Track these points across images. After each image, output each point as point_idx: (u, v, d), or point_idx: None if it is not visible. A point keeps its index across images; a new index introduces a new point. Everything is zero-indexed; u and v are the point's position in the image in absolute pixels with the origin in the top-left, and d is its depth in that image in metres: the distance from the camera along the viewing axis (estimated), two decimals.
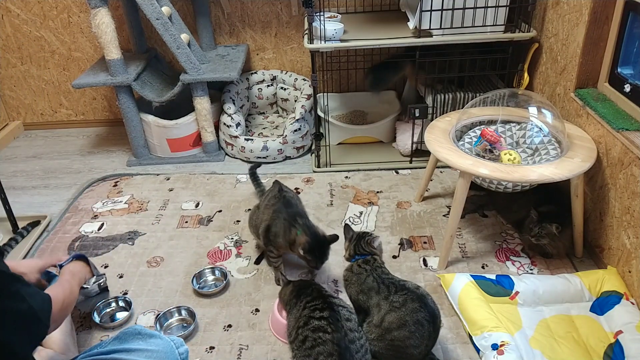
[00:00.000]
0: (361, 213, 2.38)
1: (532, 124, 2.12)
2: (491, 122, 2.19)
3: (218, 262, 2.11)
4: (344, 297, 1.71)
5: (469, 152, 1.97)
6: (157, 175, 2.77)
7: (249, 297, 1.93)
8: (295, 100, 3.05)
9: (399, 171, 2.69)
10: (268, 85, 3.20)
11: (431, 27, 2.35)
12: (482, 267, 2.02)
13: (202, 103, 2.72)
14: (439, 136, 2.06)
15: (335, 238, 1.80)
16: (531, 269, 2.00)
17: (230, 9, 3.03)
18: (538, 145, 2.06)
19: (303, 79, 3.08)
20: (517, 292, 1.80)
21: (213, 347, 1.73)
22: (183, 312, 1.85)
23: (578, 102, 2.07)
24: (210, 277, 2.03)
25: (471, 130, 2.20)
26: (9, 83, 3.24)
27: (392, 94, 3.13)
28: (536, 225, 1.93)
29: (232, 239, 2.24)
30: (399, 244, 2.16)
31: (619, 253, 1.85)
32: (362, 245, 1.68)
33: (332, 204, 2.45)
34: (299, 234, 1.79)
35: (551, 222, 1.90)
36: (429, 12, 2.30)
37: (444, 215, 2.33)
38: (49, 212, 2.45)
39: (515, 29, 2.42)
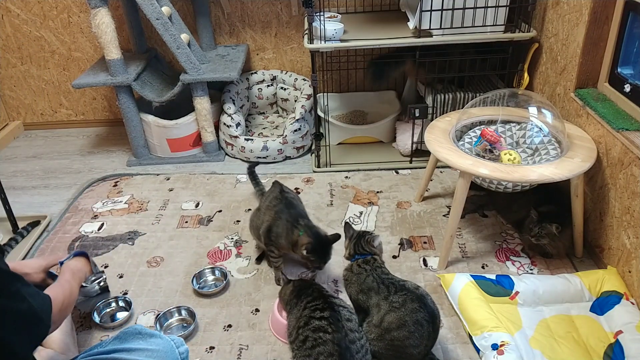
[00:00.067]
0: (361, 213, 2.38)
1: (532, 124, 2.12)
2: (491, 122, 2.19)
3: (218, 262, 2.11)
4: (344, 297, 1.71)
5: (469, 152, 1.97)
6: (157, 175, 2.77)
7: (249, 297, 1.93)
8: (295, 100, 3.06)
9: (399, 171, 2.69)
10: (268, 85, 3.20)
11: (431, 27, 2.35)
12: (482, 267, 2.02)
13: (202, 103, 2.72)
14: (439, 136, 2.06)
15: (337, 237, 1.80)
16: (531, 269, 2.00)
17: (230, 9, 3.03)
18: (538, 145, 2.07)
19: (303, 79, 3.08)
20: (517, 292, 1.80)
21: (213, 347, 1.73)
22: (183, 312, 1.85)
23: (578, 102, 2.08)
24: (210, 277, 2.03)
25: (471, 130, 2.20)
26: (9, 83, 3.24)
27: (392, 94, 3.13)
28: (536, 225, 1.93)
29: (232, 239, 2.24)
30: (399, 244, 2.16)
31: (619, 253, 1.86)
32: (362, 245, 1.68)
33: (332, 204, 2.45)
34: (301, 234, 1.79)
35: (551, 222, 1.91)
36: (429, 12, 2.30)
37: (444, 215, 2.33)
38: (49, 212, 2.45)
39: (515, 29, 2.42)
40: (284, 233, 1.84)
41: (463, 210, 1.94)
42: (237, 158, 2.89)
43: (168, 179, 2.72)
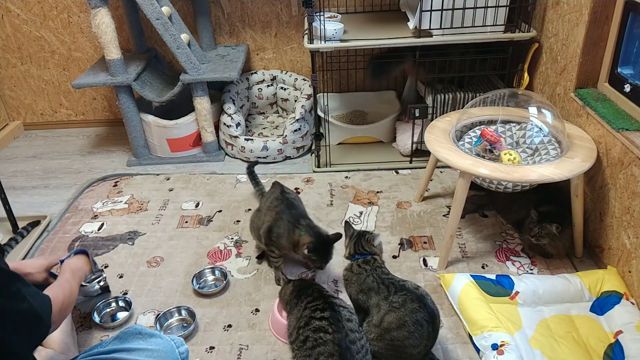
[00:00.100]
0: (361, 213, 2.38)
1: (532, 124, 2.12)
2: (491, 122, 2.19)
3: (218, 262, 2.11)
4: (344, 297, 1.71)
5: (469, 152, 1.97)
6: (157, 175, 2.77)
7: (249, 297, 1.93)
8: (295, 100, 3.06)
9: (399, 171, 2.69)
10: (268, 85, 3.20)
11: (431, 27, 2.35)
12: (482, 267, 2.02)
13: (202, 103, 2.72)
14: (439, 136, 2.06)
15: (338, 236, 1.80)
16: (531, 269, 2.00)
17: (230, 9, 3.03)
18: (538, 145, 2.07)
19: (303, 79, 3.08)
20: (517, 292, 1.80)
21: (213, 347, 1.73)
22: (183, 312, 1.85)
23: (578, 102, 2.08)
24: (210, 277, 2.03)
25: (471, 130, 2.20)
26: (9, 83, 3.24)
27: (392, 94, 3.13)
28: (536, 225, 1.93)
29: (232, 239, 2.24)
30: (399, 244, 2.16)
31: (619, 253, 1.86)
32: (362, 244, 1.68)
33: (332, 204, 2.45)
34: (302, 234, 1.80)
35: (551, 222, 1.91)
36: (429, 12, 2.30)
37: (444, 215, 2.33)
38: (49, 212, 2.45)
39: (515, 29, 2.42)
40: (286, 233, 1.84)
41: (463, 210, 1.94)
42: (237, 158, 2.89)
43: (168, 179, 2.72)
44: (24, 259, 2.14)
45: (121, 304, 1.91)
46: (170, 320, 1.84)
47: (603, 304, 1.75)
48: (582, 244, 2.04)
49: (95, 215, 2.44)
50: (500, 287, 1.82)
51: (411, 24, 2.43)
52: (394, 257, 2.10)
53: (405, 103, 2.95)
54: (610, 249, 1.92)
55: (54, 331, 1.22)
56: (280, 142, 2.78)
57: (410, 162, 2.73)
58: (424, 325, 1.46)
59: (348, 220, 2.28)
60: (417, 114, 2.51)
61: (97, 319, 1.84)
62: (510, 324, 1.70)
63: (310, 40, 2.41)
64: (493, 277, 1.86)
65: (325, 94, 3.07)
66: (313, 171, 2.73)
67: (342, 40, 2.43)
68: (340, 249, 1.83)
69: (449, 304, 1.85)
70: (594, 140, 1.96)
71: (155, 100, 2.76)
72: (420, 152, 2.71)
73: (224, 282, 1.96)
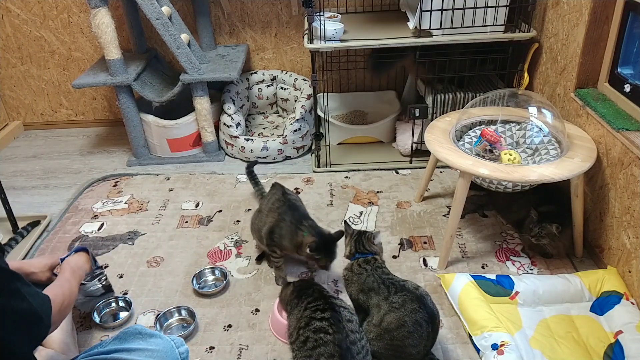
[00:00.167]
0: (361, 213, 2.38)
1: (532, 124, 2.12)
2: (491, 122, 2.19)
3: (218, 262, 2.11)
4: (344, 297, 1.71)
5: (469, 152, 1.97)
6: (157, 175, 2.77)
7: (249, 297, 1.93)
8: (295, 100, 3.06)
9: (399, 171, 2.69)
10: (268, 85, 3.20)
11: (431, 27, 2.35)
12: (482, 267, 2.02)
13: (202, 103, 2.72)
14: (439, 136, 2.06)
15: (340, 234, 1.80)
16: (531, 269, 2.00)
17: (230, 9, 3.03)
18: (538, 145, 2.07)
19: (303, 79, 3.08)
20: (517, 292, 1.80)
21: (213, 347, 1.73)
22: (183, 312, 1.85)
23: (578, 102, 2.08)
24: (210, 277, 2.03)
25: (471, 130, 2.20)
26: (9, 83, 3.24)
27: (392, 94, 3.13)
28: (536, 225, 1.93)
29: (232, 239, 2.24)
30: (399, 244, 2.16)
31: (619, 253, 1.86)
32: (362, 242, 1.68)
33: (332, 204, 2.45)
34: (305, 235, 1.80)
35: (551, 222, 1.91)
36: (429, 12, 2.30)
37: (444, 215, 2.33)
38: (49, 212, 2.45)
39: (515, 29, 2.42)
40: (289, 235, 1.84)
41: (463, 210, 1.94)
42: (237, 158, 2.89)
43: (168, 179, 2.72)
44: (24, 259, 2.14)
45: (121, 304, 1.91)
46: (170, 320, 1.84)
47: (603, 304, 1.75)
48: (582, 244, 2.04)
49: (95, 215, 2.44)
50: (500, 287, 1.82)
51: (411, 24, 2.43)
52: (394, 257, 2.10)
53: (405, 103, 2.96)
54: (610, 249, 1.92)
55: (53, 331, 1.22)
56: (280, 142, 2.78)
57: (410, 162, 2.73)
58: (423, 325, 1.46)
59: (347, 220, 2.29)
60: (417, 114, 2.51)
61: (97, 319, 1.84)
62: (510, 324, 1.70)
63: (310, 40, 2.41)
64: (493, 277, 1.86)
65: (325, 94, 3.07)
66: (313, 171, 2.73)
67: (342, 40, 2.43)
68: (339, 250, 1.83)
69: (449, 304, 1.85)
70: (594, 140, 1.96)
71: (155, 100, 2.76)
72: (420, 152, 2.71)
73: (224, 282, 1.96)
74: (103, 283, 1.89)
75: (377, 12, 2.94)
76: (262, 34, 3.10)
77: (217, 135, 2.91)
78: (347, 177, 2.67)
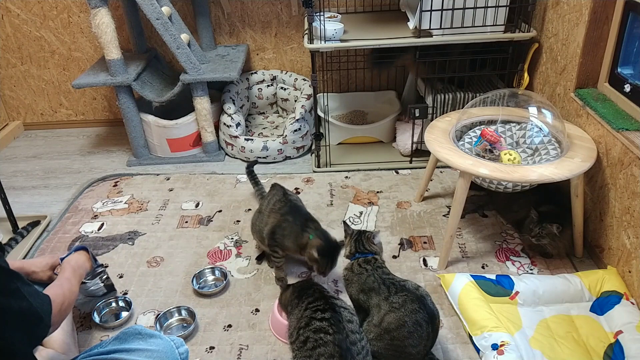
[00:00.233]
0: (361, 213, 2.38)
1: (532, 124, 2.12)
2: (491, 122, 2.19)
3: (218, 262, 2.11)
4: (345, 297, 1.71)
5: (469, 152, 1.97)
6: (157, 175, 2.77)
7: (249, 297, 1.93)
8: (295, 100, 3.06)
9: (399, 171, 2.69)
10: (268, 85, 3.20)
11: (431, 27, 2.35)
12: (482, 267, 2.02)
13: (202, 103, 2.72)
14: (439, 136, 2.06)
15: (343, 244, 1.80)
16: (531, 269, 2.00)
17: (230, 9, 3.03)
18: (538, 145, 2.07)
19: (303, 79, 3.08)
20: (517, 292, 1.80)
21: (213, 347, 1.73)
22: (183, 312, 1.85)
23: (578, 102, 2.08)
24: (210, 277, 2.03)
25: (471, 130, 2.20)
26: (9, 83, 3.24)
27: (392, 94, 3.13)
28: (536, 225, 1.93)
29: (232, 239, 2.24)
30: (399, 244, 2.16)
31: (619, 253, 1.86)
32: (362, 242, 1.68)
33: (332, 204, 2.45)
34: (311, 237, 1.80)
35: (551, 222, 1.91)
36: (429, 12, 2.30)
37: (444, 215, 2.33)
38: (49, 212, 2.45)
39: (515, 29, 2.41)
40: (293, 236, 1.84)
41: (463, 210, 1.94)
42: (237, 158, 2.89)
43: (168, 179, 2.72)
44: (24, 259, 2.14)
45: (121, 304, 1.91)
46: (170, 320, 1.84)
47: (603, 304, 1.75)
48: (582, 244, 2.04)
49: (95, 215, 2.44)
50: (500, 287, 1.82)
51: (411, 24, 2.43)
52: (394, 257, 2.10)
53: (405, 103, 2.96)
54: (610, 249, 1.92)
55: (54, 331, 1.22)
56: (280, 142, 2.78)
57: (410, 162, 2.73)
58: (423, 325, 1.46)
59: (346, 220, 2.29)
60: (417, 114, 2.51)
61: (97, 319, 1.84)
62: (510, 324, 1.70)
63: (310, 40, 2.41)
64: (493, 277, 1.86)
65: (325, 94, 3.07)
66: (313, 171, 2.73)
67: (342, 40, 2.43)
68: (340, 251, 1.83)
69: (449, 304, 1.85)
70: (594, 140, 1.96)
71: (155, 100, 2.76)
72: (420, 152, 2.71)
73: (224, 282, 1.96)
74: (105, 282, 1.89)
75: (377, 12, 2.94)
76: (262, 34, 3.10)
77: (217, 135, 2.91)
78: (347, 177, 2.67)
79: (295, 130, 2.78)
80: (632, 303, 1.72)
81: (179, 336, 1.64)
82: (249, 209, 2.42)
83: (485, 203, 2.37)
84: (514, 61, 2.50)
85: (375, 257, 1.67)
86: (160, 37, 2.58)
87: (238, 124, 2.81)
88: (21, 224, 2.31)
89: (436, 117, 2.35)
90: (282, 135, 2.81)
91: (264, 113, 3.29)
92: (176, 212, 2.44)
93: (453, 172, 2.64)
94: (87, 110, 3.34)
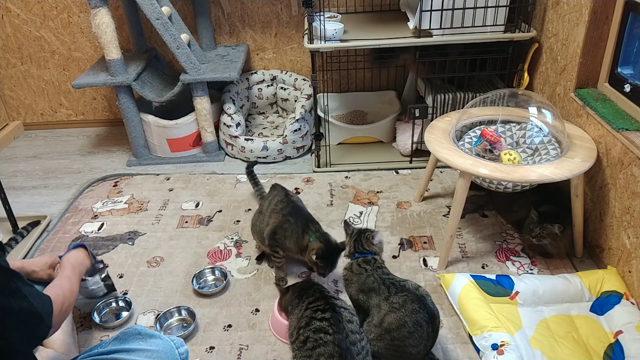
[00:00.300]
0: (361, 213, 2.38)
1: (532, 124, 2.12)
2: (491, 122, 2.19)
3: (218, 262, 2.11)
4: (344, 297, 1.71)
5: (469, 152, 1.97)
6: (157, 175, 2.77)
7: (249, 297, 1.93)
8: (295, 100, 3.06)
9: (399, 171, 2.69)
10: (268, 85, 3.20)
11: (431, 27, 2.35)
12: (482, 267, 2.02)
13: (202, 103, 2.72)
14: (439, 136, 2.06)
15: (345, 246, 1.80)
16: (531, 269, 2.00)
17: (230, 9, 3.03)
18: (538, 145, 2.07)
19: (303, 79, 3.08)
20: (517, 292, 1.80)
21: (213, 347, 1.73)
22: (183, 312, 1.85)
23: (578, 102, 2.08)
24: (210, 277, 2.03)
25: (471, 130, 2.20)
26: (9, 83, 3.24)
27: (392, 94, 3.13)
28: (537, 225, 1.93)
29: (232, 239, 2.24)
30: (399, 244, 2.16)
31: (619, 253, 1.86)
32: (362, 242, 1.68)
33: (332, 204, 2.45)
34: (312, 240, 1.80)
35: (552, 222, 1.91)
36: (429, 12, 2.30)
37: (444, 215, 2.33)
38: (49, 212, 2.45)
39: (515, 29, 2.41)
40: (294, 237, 1.84)
41: (463, 210, 1.94)
42: (237, 158, 2.89)
43: (168, 179, 2.72)
44: (24, 259, 2.14)
45: (121, 304, 1.91)
46: (170, 320, 1.84)
47: (603, 304, 1.75)
48: (582, 244, 2.04)
49: (95, 215, 2.44)
50: (500, 287, 1.82)
51: (411, 24, 2.43)
52: (394, 257, 2.10)
53: (405, 103, 2.96)
54: (610, 249, 1.92)
55: (55, 332, 1.22)
56: (280, 142, 2.78)
57: (410, 162, 2.73)
58: (423, 325, 1.46)
59: (347, 220, 2.29)
60: (417, 114, 2.51)
61: (97, 319, 1.84)
62: (510, 324, 1.70)
63: (310, 40, 2.41)
64: (493, 277, 1.86)
65: (325, 94, 3.07)
66: (313, 171, 2.73)
67: (342, 40, 2.43)
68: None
69: (449, 304, 1.85)
70: (594, 140, 1.96)
71: (155, 100, 2.76)
72: (420, 152, 2.71)
73: (224, 282, 1.96)
74: (105, 281, 1.87)
75: (377, 12, 2.94)
76: (262, 34, 3.10)
77: (217, 135, 2.91)
78: (347, 177, 2.67)
79: (295, 130, 2.78)
80: (632, 303, 1.72)
81: (179, 336, 1.64)
82: (249, 209, 2.42)
83: (485, 203, 2.37)
84: (514, 61, 2.50)
85: (375, 257, 1.66)
86: (160, 37, 2.58)
87: (238, 124, 2.81)
88: (21, 224, 2.31)
89: (436, 117, 2.35)
90: (282, 135, 2.81)
91: (264, 113, 3.29)
92: (176, 212, 2.44)
93: (453, 172, 2.64)
94: (87, 110, 3.34)
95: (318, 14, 2.37)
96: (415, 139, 2.66)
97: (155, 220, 2.39)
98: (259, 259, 2.10)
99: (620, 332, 1.63)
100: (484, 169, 1.81)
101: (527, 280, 1.83)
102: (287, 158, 2.86)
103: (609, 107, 1.94)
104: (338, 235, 1.98)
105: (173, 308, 1.86)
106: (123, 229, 2.33)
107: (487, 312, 1.70)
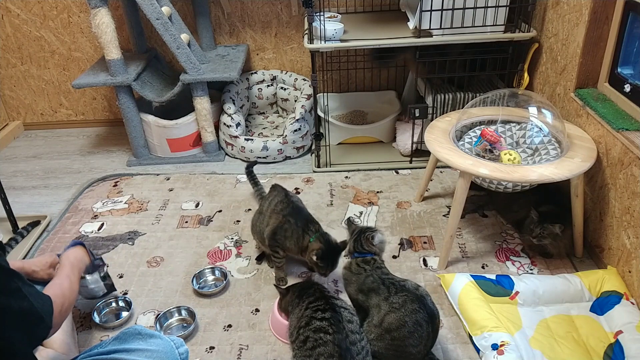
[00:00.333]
0: (361, 213, 2.38)
1: (532, 124, 2.12)
2: (491, 122, 2.19)
3: (218, 262, 2.11)
4: (345, 297, 1.71)
5: (469, 152, 1.97)
6: (157, 175, 2.77)
7: (249, 297, 1.93)
8: (295, 100, 3.06)
9: (399, 171, 2.69)
10: (268, 85, 3.20)
11: (431, 27, 2.35)
12: (482, 267, 2.02)
13: (202, 103, 2.72)
14: (439, 136, 2.06)
15: (345, 245, 1.80)
16: (531, 269, 2.00)
17: (230, 9, 3.03)
18: (538, 145, 2.07)
19: (303, 79, 3.08)
20: (517, 292, 1.80)
21: (213, 347, 1.73)
22: (183, 312, 1.85)
23: (578, 102, 2.08)
24: (210, 277, 2.03)
25: (471, 130, 2.20)
26: (9, 83, 3.24)
27: (392, 94, 3.13)
28: (537, 225, 1.93)
29: (232, 239, 2.24)
30: (399, 244, 2.16)
31: (619, 253, 1.86)
32: (361, 242, 1.68)
33: (332, 204, 2.45)
34: (312, 240, 1.80)
35: (552, 222, 1.91)
36: (429, 12, 2.30)
37: (444, 215, 2.33)
38: (49, 212, 2.45)
39: (515, 29, 2.41)
40: (294, 237, 1.84)
41: (463, 210, 1.94)
42: (237, 158, 2.89)
43: (168, 179, 2.72)
44: (24, 259, 2.14)
45: (121, 304, 1.91)
46: (170, 320, 1.84)
47: (603, 304, 1.75)
48: (582, 244, 2.04)
49: (95, 215, 2.44)
50: (500, 287, 1.82)
51: (411, 24, 2.43)
52: (394, 257, 2.10)
53: (405, 103, 2.96)
54: (610, 249, 1.92)
55: (55, 332, 1.22)
56: (280, 142, 2.78)
57: (410, 162, 2.73)
58: (423, 325, 1.47)
59: (350, 217, 2.29)
60: (417, 114, 2.51)
61: (97, 319, 1.84)
62: (510, 324, 1.70)
63: (310, 40, 2.41)
64: (493, 277, 1.86)
65: (325, 94, 3.07)
66: (313, 171, 2.73)
67: (342, 40, 2.43)
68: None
69: (449, 304, 1.85)
70: (594, 140, 1.96)
71: (155, 100, 2.76)
72: (420, 152, 2.71)
73: (224, 282, 1.96)
74: (105, 281, 1.87)
75: (377, 12, 2.94)
76: (262, 34, 3.10)
77: (217, 135, 2.91)
78: (347, 177, 2.67)
79: (295, 130, 2.78)
80: (632, 303, 1.72)
81: (179, 336, 1.64)
82: (249, 209, 2.42)
83: (485, 203, 2.37)
84: (514, 61, 2.50)
85: (375, 257, 1.66)
86: (160, 37, 2.58)
87: (238, 124, 2.81)
88: (21, 224, 2.31)
89: (436, 117, 2.35)
90: (282, 135, 2.81)
91: (264, 113, 3.29)
92: (176, 212, 2.44)
93: (453, 172, 2.64)
94: (87, 110, 3.34)
95: (318, 14, 2.37)
96: (415, 139, 2.66)
97: (155, 220, 2.39)
98: (259, 259, 2.11)
99: (620, 332, 1.63)
100: (484, 169, 1.81)
101: (527, 280, 1.83)
102: (287, 158, 2.86)
103: (609, 107, 1.94)
104: (338, 235, 1.98)
105: (173, 308, 1.86)
106: (123, 229, 2.33)
107: (487, 312, 1.70)
